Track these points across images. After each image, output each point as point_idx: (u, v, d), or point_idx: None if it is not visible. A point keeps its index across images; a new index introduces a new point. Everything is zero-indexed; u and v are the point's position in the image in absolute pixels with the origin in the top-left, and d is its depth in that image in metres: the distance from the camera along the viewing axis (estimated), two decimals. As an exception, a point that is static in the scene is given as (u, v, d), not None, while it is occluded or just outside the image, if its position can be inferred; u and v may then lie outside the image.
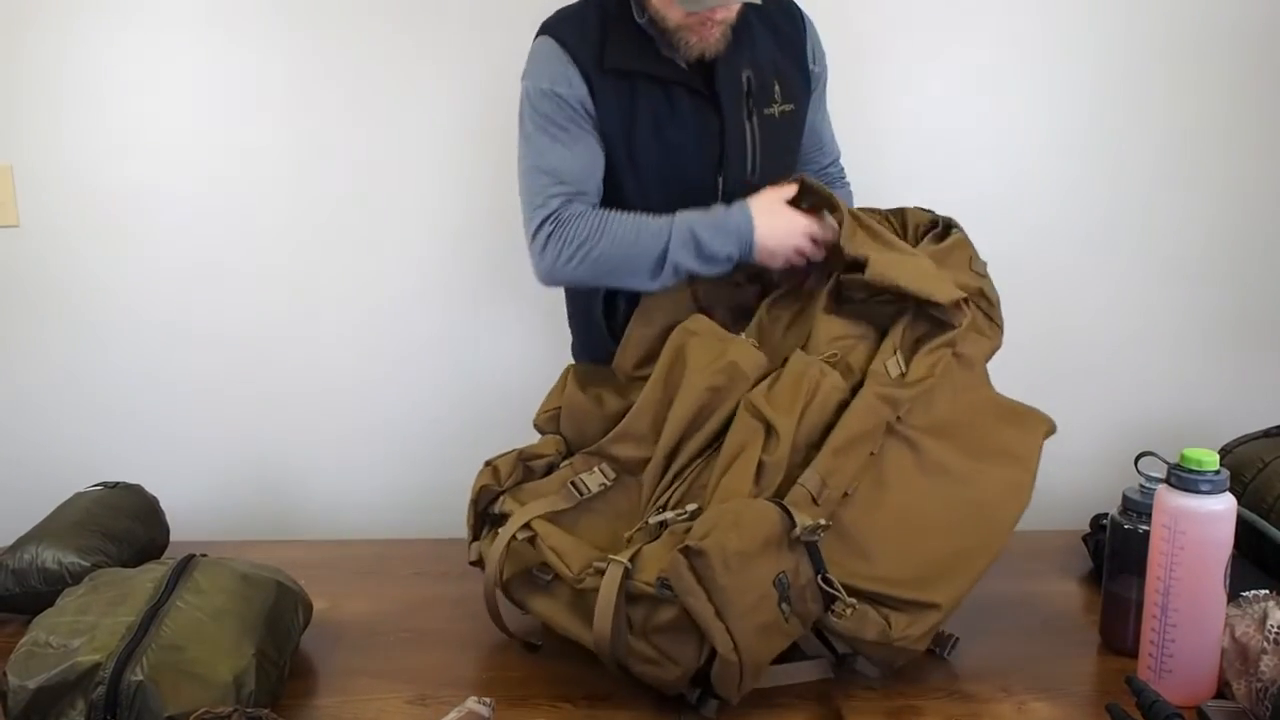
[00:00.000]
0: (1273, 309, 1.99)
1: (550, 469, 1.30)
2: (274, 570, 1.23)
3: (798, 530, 1.06)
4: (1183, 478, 1.09)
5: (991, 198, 1.91)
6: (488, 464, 1.28)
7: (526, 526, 1.19)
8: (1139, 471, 1.23)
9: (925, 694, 1.16)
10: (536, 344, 2.00)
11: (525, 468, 1.28)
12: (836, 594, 1.09)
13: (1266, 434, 1.53)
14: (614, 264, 1.39)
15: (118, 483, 1.51)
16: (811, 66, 1.53)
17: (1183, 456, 1.09)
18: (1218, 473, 1.08)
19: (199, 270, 1.96)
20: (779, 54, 1.49)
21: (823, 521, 1.09)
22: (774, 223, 1.35)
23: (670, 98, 1.44)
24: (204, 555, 1.21)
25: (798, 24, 1.52)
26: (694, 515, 1.14)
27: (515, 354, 2.01)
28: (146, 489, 1.52)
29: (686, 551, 1.03)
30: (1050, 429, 1.31)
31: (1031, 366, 2.00)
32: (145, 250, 1.95)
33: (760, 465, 1.15)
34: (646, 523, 1.18)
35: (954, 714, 1.12)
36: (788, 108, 1.49)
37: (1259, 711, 1.04)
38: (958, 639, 1.21)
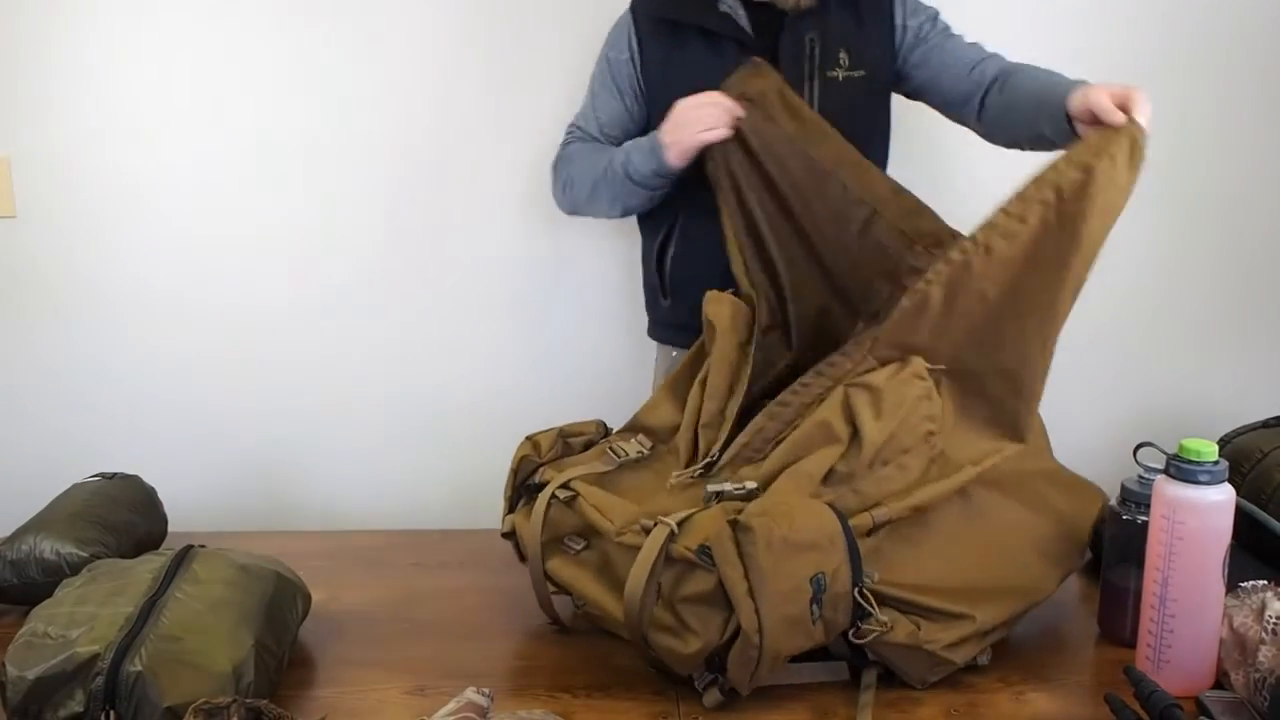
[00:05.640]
0: (1272, 299, 1.99)
1: (588, 446, 1.33)
2: (273, 561, 1.23)
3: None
4: (1181, 468, 1.09)
5: (991, 189, 1.90)
6: (528, 438, 1.31)
7: (566, 486, 1.21)
8: (1138, 462, 1.23)
9: (923, 684, 1.16)
10: (536, 337, 2.00)
11: (565, 443, 1.31)
12: (870, 610, 1.08)
13: (1265, 424, 1.53)
14: (583, 188, 1.61)
15: (116, 473, 1.50)
16: (904, 22, 1.59)
17: (1181, 447, 1.09)
18: (1216, 463, 1.08)
19: (198, 260, 1.96)
20: (854, 24, 1.57)
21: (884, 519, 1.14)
22: (674, 117, 1.45)
23: (719, 52, 1.53)
24: (202, 546, 1.21)
25: None
26: (750, 495, 1.15)
27: (516, 348, 2.01)
28: (144, 480, 1.52)
29: (734, 524, 1.05)
30: (1104, 505, 1.31)
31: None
32: (143, 240, 1.95)
33: (832, 470, 1.16)
34: (704, 485, 1.18)
35: (951, 704, 1.12)
36: (856, 74, 1.56)
37: (1257, 702, 1.04)
38: (987, 647, 1.18)
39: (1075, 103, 1.27)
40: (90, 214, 1.94)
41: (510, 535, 1.29)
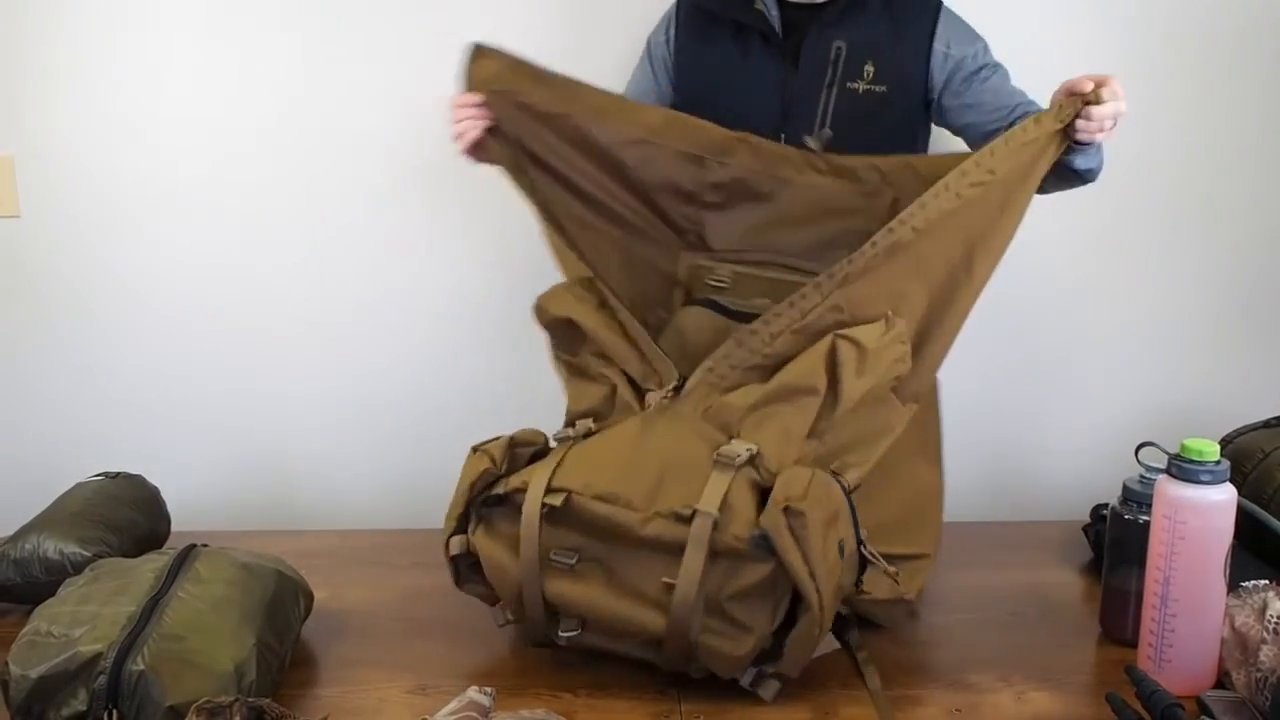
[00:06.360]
0: (1274, 299, 1.99)
1: (536, 456, 1.24)
2: (275, 560, 1.23)
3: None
4: (1183, 468, 1.09)
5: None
6: (478, 450, 1.21)
7: (553, 489, 1.13)
8: (1139, 462, 1.23)
9: (925, 683, 1.16)
10: (538, 337, 2.00)
11: (514, 454, 1.22)
12: (875, 561, 1.14)
13: (1267, 424, 1.53)
14: None
15: (119, 473, 1.51)
16: (945, 50, 1.52)
17: (1183, 447, 1.09)
18: (1218, 463, 1.08)
19: (201, 260, 1.96)
20: (889, 37, 1.52)
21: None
22: None
23: (745, 45, 1.53)
24: (205, 545, 1.21)
25: (926, 13, 1.53)
26: (752, 458, 1.13)
27: (516, 346, 2.00)
28: (148, 479, 1.52)
29: (788, 511, 1.05)
30: (937, 384, 1.40)
31: (1032, 357, 2.00)
32: (147, 240, 1.95)
33: (813, 429, 1.18)
34: (686, 415, 1.19)
35: (954, 704, 1.12)
36: (877, 88, 1.52)
37: (1258, 701, 1.04)
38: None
39: (1056, 94, 1.32)
40: (94, 213, 1.94)
41: (461, 558, 1.20)
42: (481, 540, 1.18)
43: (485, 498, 1.18)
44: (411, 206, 1.95)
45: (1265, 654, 1.04)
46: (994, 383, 2.00)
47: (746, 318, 1.29)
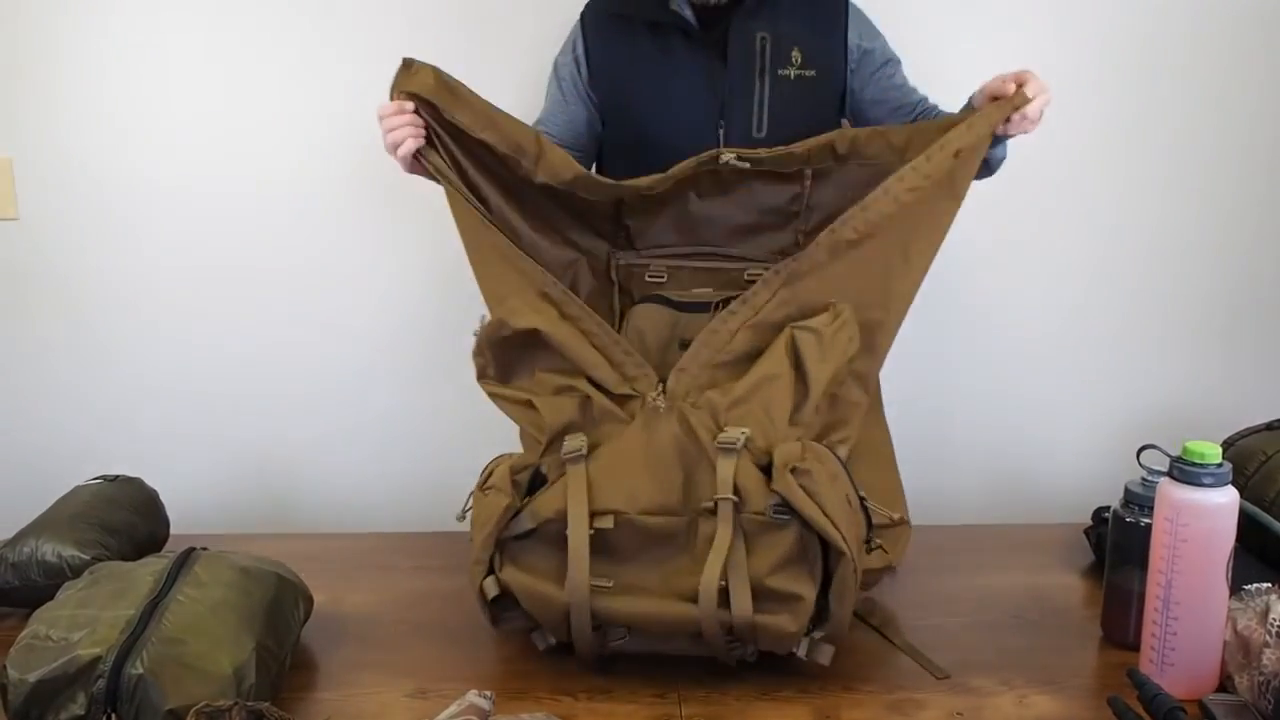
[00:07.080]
0: (1275, 302, 1.99)
1: (535, 478, 1.21)
2: (274, 563, 1.23)
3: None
4: (1185, 470, 1.09)
5: (993, 191, 1.91)
6: (487, 490, 1.18)
7: (598, 513, 1.13)
8: (1141, 464, 1.23)
9: (926, 686, 1.16)
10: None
11: (515, 482, 1.19)
12: (876, 513, 1.19)
13: (1269, 427, 1.52)
14: None
15: (117, 476, 1.50)
16: (858, 43, 1.58)
17: (1185, 449, 1.09)
18: (1220, 465, 1.08)
19: (200, 263, 1.96)
20: (808, 25, 1.55)
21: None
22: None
23: (669, 46, 1.54)
24: (204, 548, 1.21)
25: (838, 5, 1.58)
26: (748, 441, 1.15)
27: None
28: (146, 482, 1.52)
29: (795, 471, 1.11)
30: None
31: (1034, 359, 2.00)
32: (145, 243, 1.95)
33: (792, 419, 1.20)
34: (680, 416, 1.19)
35: (955, 707, 1.12)
36: (807, 73, 1.55)
37: (1261, 704, 1.04)
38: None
39: (976, 97, 1.38)
40: (92, 216, 1.94)
41: (497, 600, 1.17)
42: (515, 576, 1.16)
43: (512, 536, 1.16)
44: (412, 208, 1.96)
45: (1268, 657, 1.04)
46: (995, 386, 2.00)
47: (693, 307, 1.39)
